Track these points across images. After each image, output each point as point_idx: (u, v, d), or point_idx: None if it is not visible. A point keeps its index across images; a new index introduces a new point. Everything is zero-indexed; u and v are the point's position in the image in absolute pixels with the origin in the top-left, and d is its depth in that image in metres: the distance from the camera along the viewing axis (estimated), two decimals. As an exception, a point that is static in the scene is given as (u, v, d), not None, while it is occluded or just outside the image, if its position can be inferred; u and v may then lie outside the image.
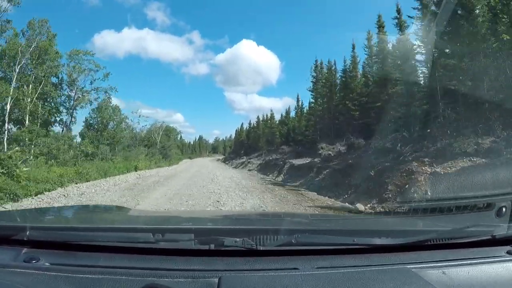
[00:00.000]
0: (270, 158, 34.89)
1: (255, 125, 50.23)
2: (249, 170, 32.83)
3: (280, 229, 1.42)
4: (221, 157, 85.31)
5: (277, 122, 43.98)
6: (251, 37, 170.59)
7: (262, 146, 44.18)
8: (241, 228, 1.50)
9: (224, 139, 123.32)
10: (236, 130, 72.54)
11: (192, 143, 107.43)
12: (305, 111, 38.73)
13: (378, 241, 1.34)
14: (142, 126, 43.18)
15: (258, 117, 49.44)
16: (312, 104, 33.34)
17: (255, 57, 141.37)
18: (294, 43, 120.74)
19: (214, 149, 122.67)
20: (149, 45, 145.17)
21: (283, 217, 2.67)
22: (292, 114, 42.42)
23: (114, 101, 41.34)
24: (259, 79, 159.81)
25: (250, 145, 48.79)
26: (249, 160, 39.28)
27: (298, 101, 40.54)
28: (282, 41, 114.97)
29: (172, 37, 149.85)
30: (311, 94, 32.79)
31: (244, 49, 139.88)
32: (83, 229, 1.48)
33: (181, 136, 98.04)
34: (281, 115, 45.86)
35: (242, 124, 69.04)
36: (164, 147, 38.90)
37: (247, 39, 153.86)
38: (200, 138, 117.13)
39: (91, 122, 37.38)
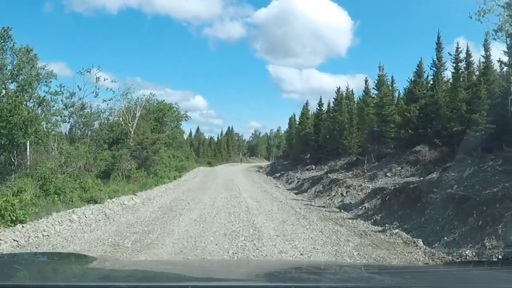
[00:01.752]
0: (393, 174, 13.52)
1: (333, 106, 26.91)
2: (354, 215, 10.35)
3: (319, 287, 1.13)
4: (264, 163, 58.01)
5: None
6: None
7: (352, 145, 21.37)
8: (261, 286, 1.17)
9: (268, 134, 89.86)
10: (290, 119, 46.39)
11: (216, 139, 73.23)
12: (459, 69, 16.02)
13: None
14: (104, 101, 22.03)
15: (339, 91, 25.48)
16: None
17: (314, 13, 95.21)
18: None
19: (251, 149, 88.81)
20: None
21: (323, 269, 1.95)
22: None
23: (100, 74, 20.81)
24: (321, 47, 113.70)
25: (320, 144, 25.95)
26: (330, 176, 16.67)
27: (439, 49, 17.35)
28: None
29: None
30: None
31: (298, 1, 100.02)
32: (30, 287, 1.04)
33: (198, 128, 70.62)
34: (386, 84, 22.53)
35: (307, 104, 36.58)
36: (141, 144, 17.49)
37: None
38: (229, 131, 79.75)
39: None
